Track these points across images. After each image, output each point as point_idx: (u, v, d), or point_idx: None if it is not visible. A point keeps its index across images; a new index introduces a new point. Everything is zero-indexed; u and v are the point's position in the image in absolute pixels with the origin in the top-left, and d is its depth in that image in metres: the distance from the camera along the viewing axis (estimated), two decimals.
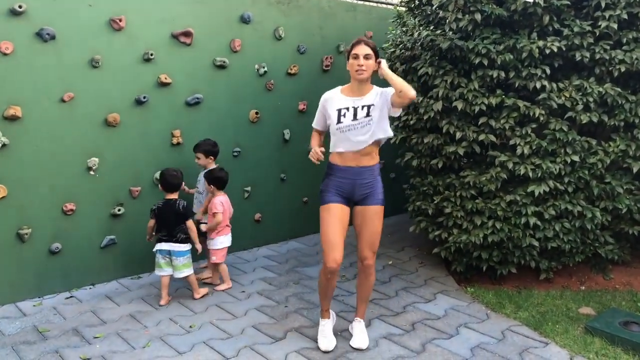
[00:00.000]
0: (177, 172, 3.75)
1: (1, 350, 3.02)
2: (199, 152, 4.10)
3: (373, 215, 3.06)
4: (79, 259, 3.89)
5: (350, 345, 3.14)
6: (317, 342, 3.15)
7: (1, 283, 3.58)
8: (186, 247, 3.69)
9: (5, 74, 3.44)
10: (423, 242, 4.94)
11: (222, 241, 3.93)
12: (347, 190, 3.04)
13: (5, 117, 3.46)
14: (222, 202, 3.89)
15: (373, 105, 2.98)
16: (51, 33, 3.56)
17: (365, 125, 2.97)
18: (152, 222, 3.71)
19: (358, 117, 2.97)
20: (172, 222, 3.65)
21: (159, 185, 3.80)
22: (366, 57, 2.91)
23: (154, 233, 3.73)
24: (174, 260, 3.67)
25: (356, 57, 2.93)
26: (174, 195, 3.73)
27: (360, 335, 3.18)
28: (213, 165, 4.15)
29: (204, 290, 3.82)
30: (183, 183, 3.86)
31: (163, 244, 3.66)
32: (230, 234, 4.00)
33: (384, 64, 2.97)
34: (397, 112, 3.01)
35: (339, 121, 3.00)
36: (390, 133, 3.06)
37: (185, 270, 3.69)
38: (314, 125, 3.25)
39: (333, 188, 3.07)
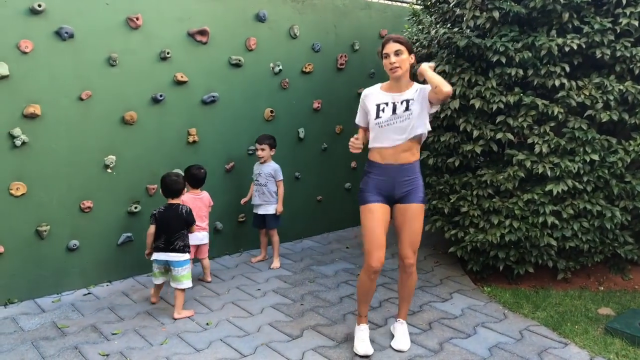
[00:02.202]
0: (178, 176, 3.61)
1: (21, 346, 3.05)
2: (265, 144, 4.28)
3: (414, 214, 3.00)
4: (96, 256, 3.92)
5: (391, 346, 3.11)
6: (353, 347, 3.07)
7: (21, 279, 3.61)
8: (185, 256, 3.47)
9: (25, 72, 3.47)
10: (438, 241, 4.91)
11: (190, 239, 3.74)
12: (387, 189, 2.99)
13: (25, 115, 3.49)
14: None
15: (412, 99, 2.94)
16: (70, 32, 3.59)
17: (404, 119, 2.92)
18: (152, 229, 3.49)
19: (397, 112, 2.93)
20: (174, 227, 3.46)
21: (161, 191, 3.62)
22: (397, 53, 2.88)
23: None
24: (174, 271, 3.45)
25: (387, 56, 2.90)
26: (177, 201, 3.58)
27: (402, 337, 3.13)
28: (271, 160, 4.37)
29: (187, 312, 3.46)
30: (185, 189, 3.73)
31: (160, 253, 3.45)
32: (197, 233, 3.78)
33: (423, 65, 2.94)
34: (434, 109, 2.98)
35: (377, 116, 2.96)
36: (429, 127, 3.01)
37: (185, 281, 3.45)
38: (357, 122, 3.19)
39: (373, 187, 3.01)
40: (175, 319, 3.43)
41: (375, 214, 2.97)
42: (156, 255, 3.50)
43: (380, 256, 2.95)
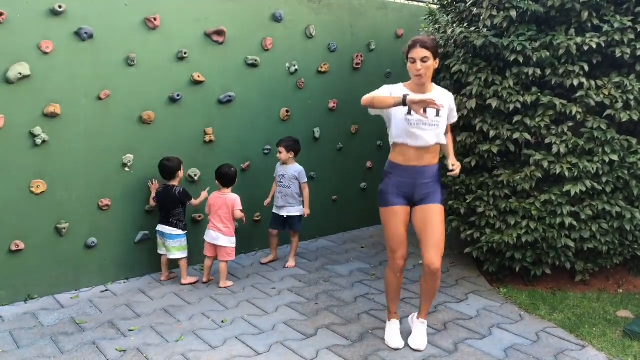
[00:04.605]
0: (170, 160, 3.94)
1: (41, 341, 3.11)
2: (281, 146, 4.28)
3: (434, 214, 2.99)
4: (114, 254, 3.98)
5: (408, 344, 3.13)
6: (385, 340, 3.17)
7: (40, 275, 3.68)
8: (177, 231, 3.93)
9: (46, 72, 3.53)
10: (454, 241, 4.88)
11: (205, 236, 4.04)
12: (408, 191, 3.01)
13: (46, 114, 3.56)
14: (209, 198, 4.03)
15: (443, 107, 2.93)
16: (89, 32, 3.64)
17: (432, 124, 2.92)
18: (153, 203, 4.00)
19: (426, 112, 2.89)
20: (170, 205, 3.91)
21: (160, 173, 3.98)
22: (423, 60, 2.86)
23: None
24: (166, 242, 3.93)
25: (413, 61, 2.88)
26: (174, 182, 3.95)
27: (420, 336, 3.15)
28: (293, 162, 4.34)
29: (191, 279, 4.01)
30: (180, 171, 3.99)
31: (159, 225, 3.96)
32: (208, 230, 4.00)
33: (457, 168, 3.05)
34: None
35: (409, 112, 2.89)
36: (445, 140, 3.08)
37: (177, 252, 3.94)
38: (382, 93, 2.98)
39: (394, 188, 3.03)
40: (183, 284, 3.96)
41: (397, 215, 3.03)
42: (157, 227, 3.98)
43: (403, 254, 3.07)
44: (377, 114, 3.10)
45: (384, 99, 2.86)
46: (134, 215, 4.03)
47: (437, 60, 2.94)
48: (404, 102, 2.76)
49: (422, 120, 2.90)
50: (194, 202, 4.04)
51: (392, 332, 3.18)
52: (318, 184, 5.08)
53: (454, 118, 3.18)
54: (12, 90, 3.43)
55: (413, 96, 2.82)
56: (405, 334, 3.24)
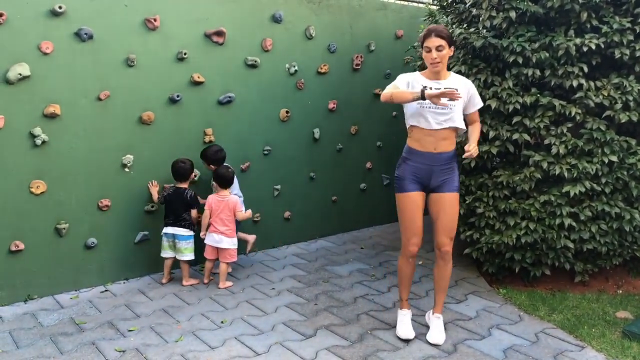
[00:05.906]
0: (185, 162, 3.96)
1: (40, 341, 3.11)
2: (201, 158, 4.16)
3: (450, 202, 3.10)
4: (114, 254, 3.98)
5: (426, 339, 3.17)
6: (395, 331, 3.21)
7: (40, 276, 3.68)
8: (189, 232, 3.94)
9: (46, 73, 3.54)
10: (454, 242, 4.87)
11: (207, 239, 4.00)
12: (424, 177, 3.08)
13: (45, 114, 3.56)
14: (210, 202, 3.97)
15: (461, 97, 2.93)
16: (89, 33, 3.65)
17: (444, 108, 2.97)
18: (156, 196, 3.99)
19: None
20: (179, 209, 3.91)
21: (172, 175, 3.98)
22: (438, 49, 2.95)
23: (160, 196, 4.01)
24: (177, 244, 3.93)
25: (429, 50, 2.97)
26: (184, 184, 3.97)
27: (437, 331, 3.18)
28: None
29: (193, 281, 4.00)
30: (194, 173, 4.05)
31: (169, 227, 3.93)
32: (210, 233, 3.96)
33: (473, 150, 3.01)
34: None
35: (422, 97, 2.96)
36: (464, 126, 3.11)
37: (188, 254, 3.94)
38: (399, 85, 3.05)
39: (410, 174, 3.10)
40: (184, 285, 3.95)
41: (411, 200, 3.10)
42: (166, 229, 3.95)
43: (417, 240, 3.13)
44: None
45: (402, 95, 2.96)
46: (134, 216, 4.03)
47: (452, 49, 3.03)
48: (422, 97, 2.86)
49: (434, 104, 2.96)
50: (194, 214, 3.97)
51: (402, 323, 3.22)
52: (317, 185, 5.08)
53: (478, 104, 3.20)
54: (12, 90, 3.44)
55: (430, 89, 2.89)
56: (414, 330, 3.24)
